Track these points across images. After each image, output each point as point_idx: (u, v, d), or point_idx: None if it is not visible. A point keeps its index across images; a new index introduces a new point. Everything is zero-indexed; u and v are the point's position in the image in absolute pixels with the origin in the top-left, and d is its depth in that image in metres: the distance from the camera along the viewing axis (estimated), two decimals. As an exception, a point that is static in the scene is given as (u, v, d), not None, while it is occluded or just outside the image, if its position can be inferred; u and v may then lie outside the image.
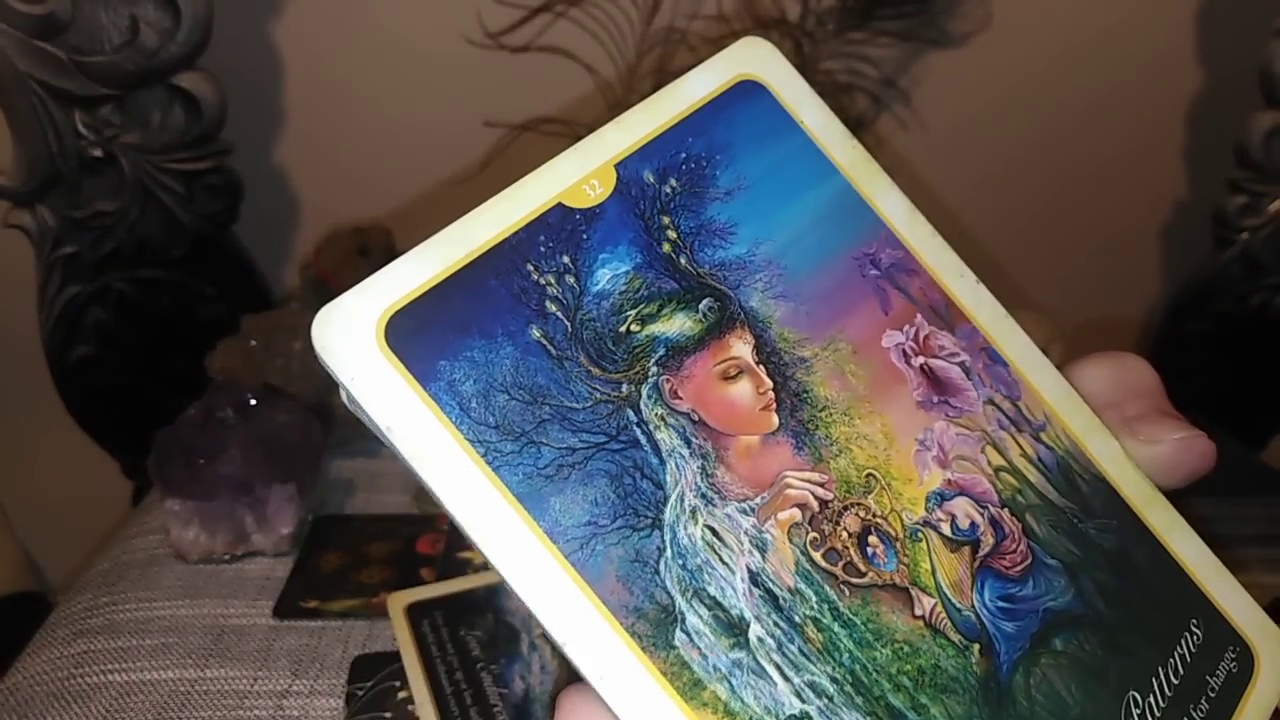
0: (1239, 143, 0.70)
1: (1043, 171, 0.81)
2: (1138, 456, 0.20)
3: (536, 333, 0.17)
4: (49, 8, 0.58)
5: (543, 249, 0.18)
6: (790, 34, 0.72)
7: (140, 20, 0.60)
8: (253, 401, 0.54)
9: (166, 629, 0.48)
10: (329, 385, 0.61)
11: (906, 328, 0.19)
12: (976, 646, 0.18)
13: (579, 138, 0.18)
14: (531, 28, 0.70)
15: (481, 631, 0.46)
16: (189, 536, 0.52)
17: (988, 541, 0.18)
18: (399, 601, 0.47)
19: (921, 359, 0.19)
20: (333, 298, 0.16)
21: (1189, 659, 0.19)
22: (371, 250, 0.67)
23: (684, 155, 0.19)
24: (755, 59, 0.20)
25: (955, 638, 0.18)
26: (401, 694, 0.44)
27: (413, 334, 0.16)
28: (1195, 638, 0.19)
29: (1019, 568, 0.18)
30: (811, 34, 0.72)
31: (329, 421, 0.58)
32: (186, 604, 0.50)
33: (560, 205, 0.18)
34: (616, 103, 0.73)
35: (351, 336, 0.16)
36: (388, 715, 0.43)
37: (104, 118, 0.62)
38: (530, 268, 0.17)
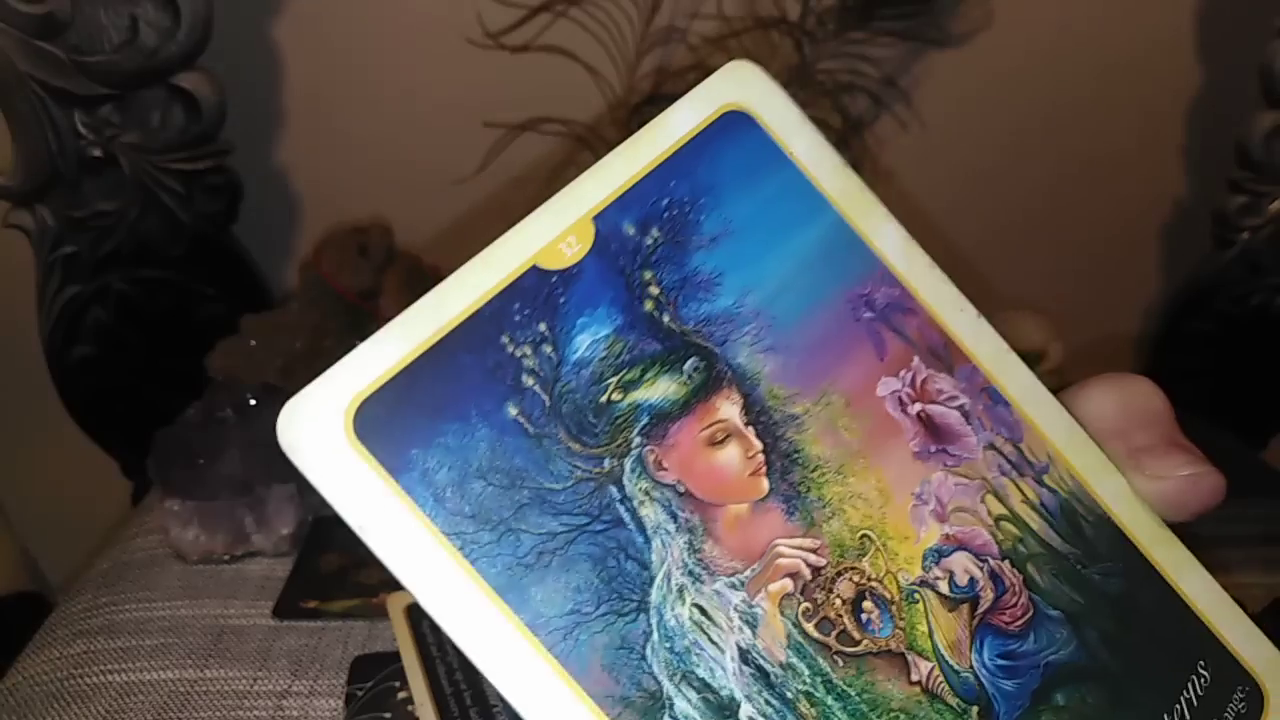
0: (1239, 142, 0.70)
1: (1042, 171, 0.81)
2: (1144, 492, 0.19)
3: (513, 410, 0.16)
4: (49, 7, 0.58)
5: (518, 318, 0.17)
6: (790, 33, 0.72)
7: (140, 20, 0.60)
8: (253, 401, 0.54)
9: (166, 629, 0.48)
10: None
11: (903, 373, 0.18)
12: (975, 709, 0.17)
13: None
14: (531, 27, 0.70)
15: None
16: (189, 537, 0.52)
17: (987, 597, 0.18)
18: (399, 602, 0.47)
19: (919, 406, 0.18)
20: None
21: (1195, 703, 0.18)
22: (371, 250, 0.66)
23: (666, 201, 0.18)
24: (742, 85, 0.19)
25: (953, 701, 0.17)
26: (401, 694, 0.44)
27: (383, 422, 0.16)
28: (1203, 680, 0.18)
29: (1019, 622, 0.18)
30: (812, 33, 0.72)
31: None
32: (186, 604, 0.50)
33: (535, 268, 0.17)
34: (617, 102, 0.73)
35: (318, 432, 0.15)
36: (387, 715, 0.43)
37: (104, 117, 0.62)
38: (505, 339, 0.16)
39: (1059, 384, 0.20)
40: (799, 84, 0.74)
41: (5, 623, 0.73)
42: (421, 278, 0.65)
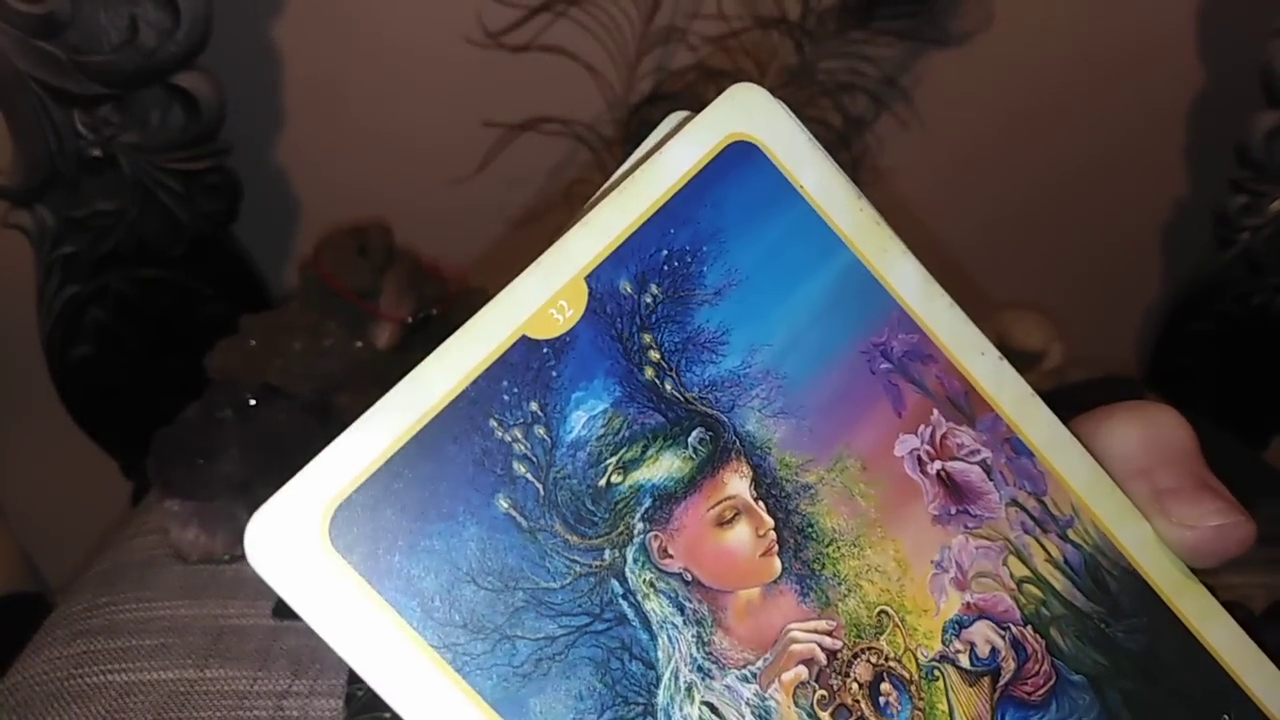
0: (1240, 142, 0.70)
1: (1042, 170, 0.80)
2: (1169, 539, 0.18)
3: (504, 503, 0.15)
4: (48, 7, 0.58)
5: (506, 397, 0.15)
6: (790, 33, 0.72)
7: (139, 20, 0.60)
8: (252, 401, 0.54)
9: (166, 629, 0.48)
10: (328, 384, 0.61)
11: (922, 429, 0.17)
12: None
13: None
14: (531, 27, 0.70)
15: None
16: (188, 537, 0.52)
17: (1009, 668, 0.17)
18: (399, 602, 0.47)
19: (939, 464, 0.17)
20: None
21: None
22: (371, 250, 0.66)
23: (665, 253, 0.16)
24: (747, 112, 0.17)
25: None
26: (401, 694, 0.44)
27: (361, 528, 0.14)
28: None
29: (1042, 691, 0.17)
30: (812, 33, 0.72)
31: (329, 421, 0.57)
32: (186, 604, 0.50)
33: (524, 338, 0.15)
34: (617, 102, 0.73)
35: (291, 543, 0.14)
36: (387, 716, 0.43)
37: (103, 117, 0.62)
38: (493, 423, 0.15)
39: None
40: (799, 84, 0.74)
41: (5, 623, 0.73)
42: (421, 278, 0.65)
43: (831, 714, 0.16)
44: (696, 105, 0.17)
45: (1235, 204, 0.72)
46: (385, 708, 0.45)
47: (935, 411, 0.17)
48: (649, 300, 0.16)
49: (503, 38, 0.70)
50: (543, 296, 0.16)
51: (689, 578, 0.16)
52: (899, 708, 0.16)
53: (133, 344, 0.70)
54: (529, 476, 0.15)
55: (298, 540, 0.14)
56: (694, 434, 0.16)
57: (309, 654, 0.47)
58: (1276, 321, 0.75)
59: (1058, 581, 0.18)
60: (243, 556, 0.49)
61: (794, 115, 0.17)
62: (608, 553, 0.15)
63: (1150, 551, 0.18)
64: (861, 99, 0.76)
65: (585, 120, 0.73)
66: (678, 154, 0.16)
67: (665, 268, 0.16)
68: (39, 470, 0.81)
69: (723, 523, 0.16)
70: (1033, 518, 0.18)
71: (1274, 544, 0.58)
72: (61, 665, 0.47)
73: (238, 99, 0.65)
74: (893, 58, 0.75)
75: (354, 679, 0.45)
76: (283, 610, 0.49)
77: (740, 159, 0.17)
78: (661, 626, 0.15)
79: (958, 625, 0.17)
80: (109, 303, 0.68)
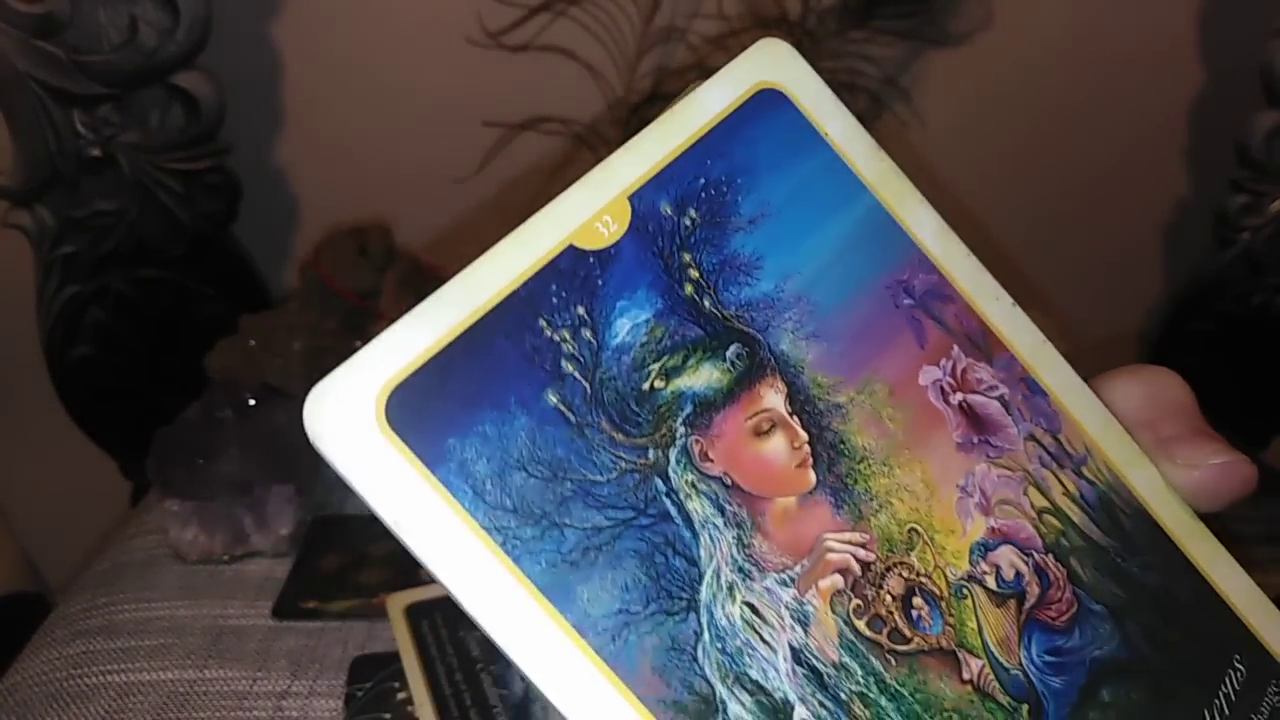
0: (1240, 142, 0.70)
1: (1043, 170, 0.80)
2: (1176, 481, 0.19)
3: (553, 398, 0.15)
4: (48, 7, 0.58)
5: (554, 300, 0.16)
6: (791, 33, 0.72)
7: (139, 19, 0.60)
8: (252, 401, 0.54)
9: (165, 630, 0.48)
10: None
11: (943, 361, 0.18)
12: (1025, 707, 0.17)
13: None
14: (531, 27, 0.70)
15: (481, 632, 0.46)
16: (188, 537, 0.52)
17: (1033, 592, 0.18)
18: (398, 602, 0.47)
19: (960, 396, 0.18)
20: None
21: (1234, 698, 0.18)
22: (371, 250, 0.66)
23: (703, 181, 0.17)
24: (775, 63, 0.18)
25: (1004, 700, 0.17)
26: (401, 695, 0.44)
27: (417, 411, 0.15)
28: (1239, 674, 0.18)
29: (1065, 617, 0.18)
30: (812, 32, 0.72)
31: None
32: (185, 604, 0.50)
33: (571, 248, 0.16)
34: (617, 102, 0.73)
35: (348, 420, 0.14)
36: (387, 716, 0.43)
37: (103, 117, 0.62)
38: (543, 323, 0.16)
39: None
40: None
41: (5, 623, 0.73)
42: (421, 278, 0.65)
43: (867, 623, 0.16)
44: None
45: (1235, 204, 0.72)
46: (385, 709, 0.45)
47: (955, 347, 0.18)
48: (688, 223, 0.17)
49: (503, 38, 0.70)
50: (589, 210, 0.16)
51: (729, 482, 0.16)
52: (931, 621, 0.17)
53: (133, 344, 0.70)
54: (576, 375, 0.16)
55: (354, 417, 0.15)
56: (731, 348, 0.17)
57: (308, 654, 0.47)
58: (1276, 321, 0.75)
59: (1075, 515, 0.18)
60: (242, 557, 0.49)
61: (818, 73, 0.18)
62: (651, 452, 0.16)
63: (1160, 496, 0.19)
64: (861, 99, 0.76)
65: (585, 120, 0.73)
66: (711, 95, 0.18)
67: (703, 195, 0.17)
68: (39, 470, 0.81)
69: (760, 433, 0.17)
70: (1049, 453, 0.18)
71: (1274, 544, 0.58)
72: (61, 665, 0.47)
73: (238, 99, 0.65)
74: (893, 58, 0.75)
75: (353, 679, 0.45)
76: (282, 610, 0.49)
77: (769, 105, 0.18)
78: (703, 526, 0.16)
79: (983, 547, 0.18)
80: (109, 303, 0.68)
